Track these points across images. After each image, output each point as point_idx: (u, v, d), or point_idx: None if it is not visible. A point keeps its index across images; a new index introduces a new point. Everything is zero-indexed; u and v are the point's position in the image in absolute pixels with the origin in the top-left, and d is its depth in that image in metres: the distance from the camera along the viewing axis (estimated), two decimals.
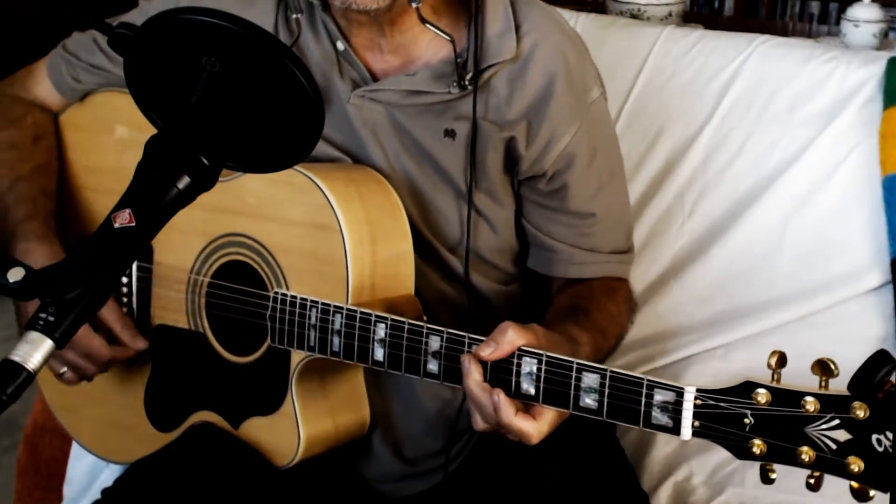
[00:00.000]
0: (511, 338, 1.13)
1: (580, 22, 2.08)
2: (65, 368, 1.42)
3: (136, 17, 1.43)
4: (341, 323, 1.24)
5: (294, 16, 1.33)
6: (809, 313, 1.77)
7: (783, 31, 3.08)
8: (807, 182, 1.83)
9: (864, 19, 2.23)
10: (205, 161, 0.90)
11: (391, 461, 1.43)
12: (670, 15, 2.38)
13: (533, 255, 1.44)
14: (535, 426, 1.12)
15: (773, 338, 1.77)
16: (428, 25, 1.29)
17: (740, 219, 1.85)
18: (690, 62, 1.97)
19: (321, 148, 1.37)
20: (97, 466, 1.78)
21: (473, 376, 1.13)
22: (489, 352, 1.13)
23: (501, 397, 1.11)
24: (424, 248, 1.38)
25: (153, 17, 0.89)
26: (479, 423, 1.15)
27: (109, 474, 1.74)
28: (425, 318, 1.30)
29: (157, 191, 0.89)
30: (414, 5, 1.26)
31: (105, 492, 1.35)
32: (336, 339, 1.25)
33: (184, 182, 0.89)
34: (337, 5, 1.28)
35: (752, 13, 3.44)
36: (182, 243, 1.41)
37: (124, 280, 1.48)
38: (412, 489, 1.45)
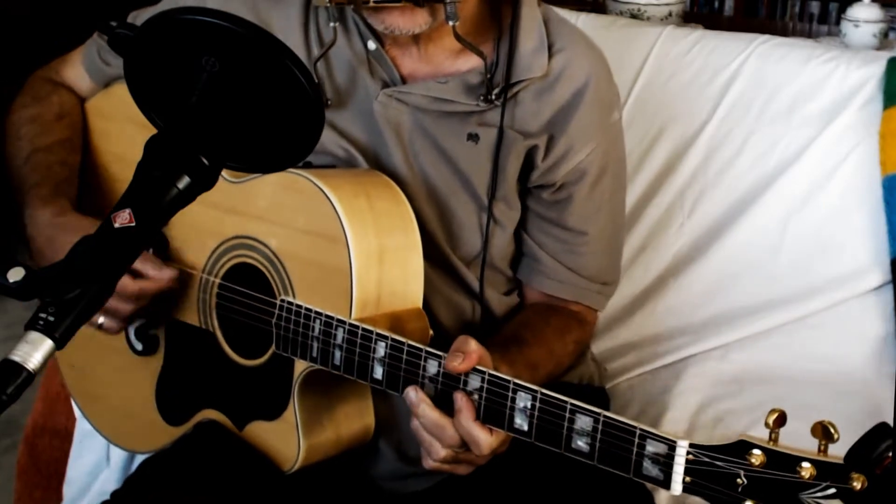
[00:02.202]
0: (475, 346, 1.15)
1: (580, 22, 2.08)
2: (101, 318, 1.39)
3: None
4: (343, 338, 1.23)
5: (331, 24, 1.33)
6: (809, 313, 1.77)
7: (783, 31, 3.08)
8: (807, 182, 1.83)
9: (864, 19, 2.23)
10: (205, 161, 0.90)
11: (395, 461, 1.43)
12: (670, 15, 2.38)
13: (521, 264, 1.46)
14: (487, 436, 1.15)
15: (773, 338, 1.77)
16: (463, 43, 1.30)
17: (740, 219, 1.85)
18: (690, 62, 1.97)
19: (340, 143, 1.37)
20: (97, 466, 1.78)
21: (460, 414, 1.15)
22: (458, 362, 1.14)
23: (463, 399, 1.14)
24: (436, 253, 1.38)
25: (153, 16, 0.89)
26: (440, 452, 1.18)
27: (109, 474, 1.75)
28: (431, 332, 1.30)
29: (157, 191, 0.89)
30: (451, 23, 1.27)
31: (115, 494, 1.35)
32: (338, 353, 1.24)
33: (184, 182, 0.89)
34: (380, 30, 1.30)
35: (752, 13, 3.44)
36: (196, 241, 1.40)
37: None
38: (416, 486, 1.45)
